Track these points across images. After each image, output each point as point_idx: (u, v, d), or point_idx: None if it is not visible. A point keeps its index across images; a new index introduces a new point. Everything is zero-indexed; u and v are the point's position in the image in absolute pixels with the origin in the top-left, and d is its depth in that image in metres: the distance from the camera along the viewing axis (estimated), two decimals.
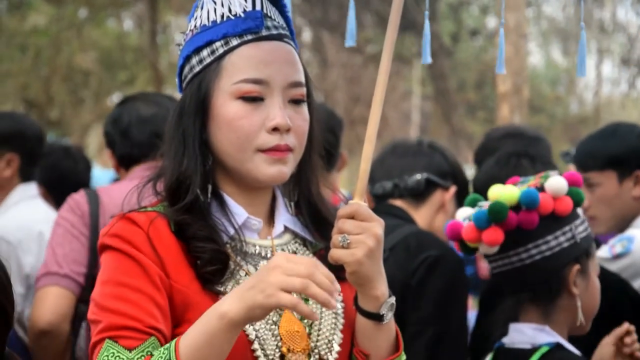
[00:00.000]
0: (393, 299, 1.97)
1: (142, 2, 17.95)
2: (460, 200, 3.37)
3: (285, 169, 1.94)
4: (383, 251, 3.02)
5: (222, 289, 1.89)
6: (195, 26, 1.99)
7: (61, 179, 4.50)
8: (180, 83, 2.03)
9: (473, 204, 2.75)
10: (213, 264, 1.88)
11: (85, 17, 18.47)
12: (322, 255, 2.02)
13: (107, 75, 19.82)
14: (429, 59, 2.09)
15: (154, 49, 17.83)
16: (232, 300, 1.72)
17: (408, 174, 3.32)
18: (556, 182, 2.59)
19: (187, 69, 1.99)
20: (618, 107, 25.25)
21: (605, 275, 3.08)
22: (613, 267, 3.30)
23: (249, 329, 1.86)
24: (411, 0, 16.14)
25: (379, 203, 3.36)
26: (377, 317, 1.95)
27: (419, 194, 3.31)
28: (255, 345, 1.86)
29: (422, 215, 3.32)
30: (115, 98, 22.96)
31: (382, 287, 1.94)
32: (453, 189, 3.34)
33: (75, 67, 19.11)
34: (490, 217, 2.56)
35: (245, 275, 1.91)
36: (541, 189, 2.61)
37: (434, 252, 3.09)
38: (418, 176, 3.31)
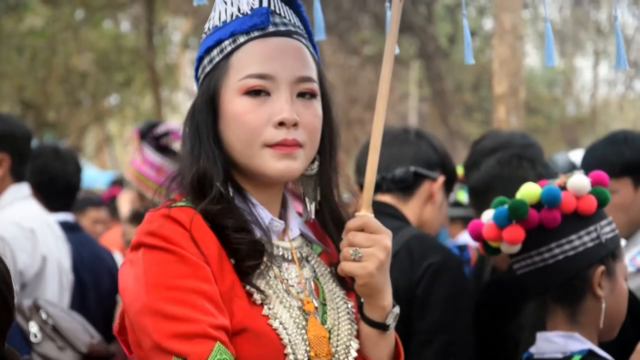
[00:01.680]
0: (398, 309, 1.98)
1: (139, 3, 17.96)
2: (449, 188, 3.36)
3: (294, 165, 1.92)
4: None
5: (258, 285, 1.87)
6: (208, 28, 2.00)
7: (51, 180, 4.49)
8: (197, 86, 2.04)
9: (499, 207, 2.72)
10: (252, 255, 1.86)
11: (81, 19, 18.49)
12: (328, 257, 2.04)
13: (104, 76, 19.82)
14: (471, 60, 2.09)
15: (150, 50, 17.84)
16: None
17: (395, 166, 3.28)
18: (578, 180, 2.54)
19: (200, 69, 2.00)
20: (615, 108, 25.26)
21: None
22: (638, 280, 3.27)
23: (283, 332, 1.86)
24: (408, 3, 16.14)
25: None
26: (382, 327, 1.96)
27: (407, 187, 3.29)
28: (288, 350, 1.86)
29: (411, 209, 3.30)
30: (112, 99, 23.00)
31: (389, 297, 1.96)
32: (441, 179, 3.31)
33: (72, 69, 19.12)
34: (511, 214, 2.52)
35: (274, 277, 1.91)
36: (564, 187, 2.56)
37: (436, 258, 3.06)
38: (405, 169, 3.27)
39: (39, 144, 5.26)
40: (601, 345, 2.60)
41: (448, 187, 3.35)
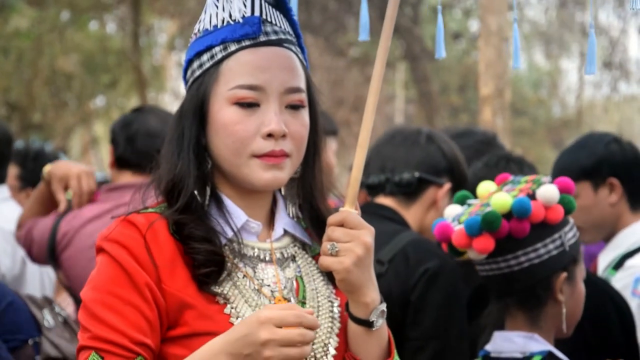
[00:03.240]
0: (384, 306, 1.98)
1: (125, 4, 17.91)
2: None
3: (281, 175, 1.95)
4: (382, 263, 3.03)
5: (219, 290, 1.90)
6: (199, 30, 2.01)
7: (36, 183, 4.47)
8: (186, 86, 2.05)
9: (462, 202, 2.75)
10: (207, 265, 1.89)
11: (67, 20, 18.42)
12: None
13: (90, 78, 19.75)
14: (443, 53, 2.11)
15: (136, 52, 17.78)
16: None
17: (401, 170, 3.26)
18: (548, 191, 2.58)
19: (189, 72, 2.01)
20: (600, 110, 25.36)
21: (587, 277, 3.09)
22: None
23: None
24: None
25: (371, 195, 3.33)
26: (367, 324, 1.97)
27: (411, 192, 3.27)
28: None
29: (413, 214, 3.27)
30: (98, 101, 22.92)
31: (372, 294, 1.96)
32: (447, 186, 3.28)
33: (57, 70, 19.04)
34: (483, 226, 2.55)
35: (244, 277, 1.93)
36: (532, 196, 2.59)
37: (432, 264, 3.04)
38: (410, 174, 3.25)
39: (24, 145, 5.23)
40: (558, 343, 2.67)
41: (456, 193, 3.34)
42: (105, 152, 28.43)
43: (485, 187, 2.72)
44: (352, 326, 1.98)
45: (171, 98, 23.09)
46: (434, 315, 3.00)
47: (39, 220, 3.76)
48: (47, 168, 3.71)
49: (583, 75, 24.30)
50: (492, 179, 2.87)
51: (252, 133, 1.92)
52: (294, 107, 1.96)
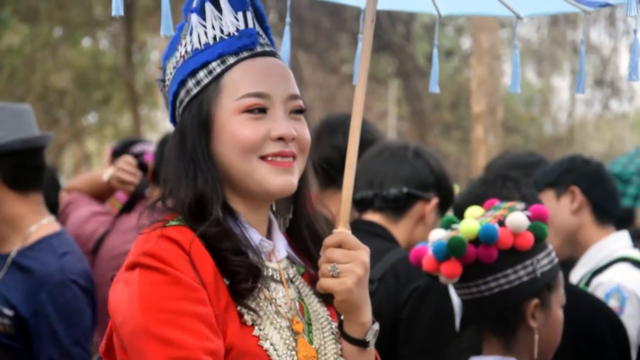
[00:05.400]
0: (377, 325, 1.99)
1: (118, 21, 17.93)
2: (444, 209, 3.36)
3: (292, 179, 1.95)
4: (372, 282, 3.03)
5: (252, 305, 1.88)
6: (186, 52, 1.99)
7: None
8: (173, 111, 2.02)
9: (447, 226, 2.76)
10: (249, 278, 1.87)
11: (60, 37, 18.44)
12: (309, 276, 2.04)
13: (82, 94, 19.76)
14: (436, 89, 2.14)
15: (129, 69, 17.81)
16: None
17: (389, 185, 3.27)
18: (516, 219, 2.59)
19: (182, 93, 1.98)
20: (592, 127, 25.45)
21: (581, 296, 3.09)
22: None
23: (274, 354, 1.86)
24: (386, 21, 16.22)
25: (359, 211, 3.33)
26: (362, 344, 1.97)
27: (399, 207, 3.27)
28: None
29: (402, 230, 3.28)
30: (90, 118, 22.92)
31: (368, 314, 1.97)
32: (434, 201, 3.29)
33: (50, 87, 19.05)
34: (449, 250, 2.57)
35: (264, 299, 1.92)
36: (502, 223, 2.61)
37: (422, 281, 3.05)
38: (398, 189, 3.25)
39: None
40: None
41: (443, 208, 3.35)
42: (97, 169, 28.37)
43: (471, 212, 2.73)
44: (346, 346, 1.98)
45: (164, 115, 23.08)
46: (425, 332, 3.00)
47: (92, 213, 4.17)
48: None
49: (574, 93, 24.41)
50: (490, 197, 2.88)
51: (262, 137, 1.91)
52: (297, 112, 1.98)
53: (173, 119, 2.03)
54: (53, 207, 4.71)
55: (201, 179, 1.91)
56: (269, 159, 1.92)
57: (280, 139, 1.92)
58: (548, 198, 3.61)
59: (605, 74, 19.28)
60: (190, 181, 1.91)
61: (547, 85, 27.51)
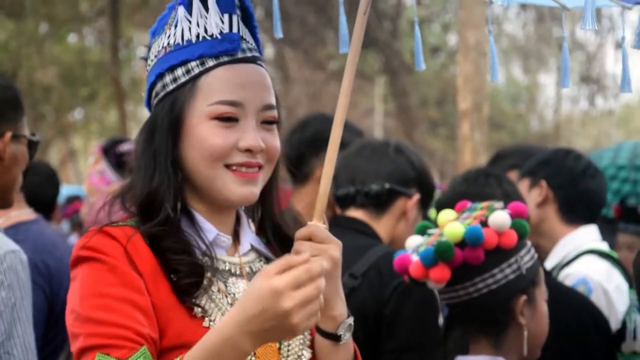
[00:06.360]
0: (351, 320, 1.99)
1: (104, 17, 17.91)
2: (425, 205, 3.37)
3: (255, 190, 1.96)
4: (355, 277, 3.04)
5: (197, 301, 1.89)
6: (168, 44, 1.99)
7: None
8: (148, 98, 2.03)
9: (422, 232, 2.77)
10: (190, 276, 1.88)
11: (45, 33, 18.39)
12: None
13: (68, 90, 19.72)
14: (422, 65, 2.13)
15: (115, 65, 17.77)
16: (252, 342, 1.70)
17: (371, 181, 3.28)
18: (499, 218, 2.60)
19: (159, 86, 1.99)
20: (578, 124, 25.55)
21: (563, 292, 3.11)
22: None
23: None
24: (373, 18, 16.23)
25: (341, 208, 3.35)
26: (334, 337, 1.97)
27: (381, 203, 3.29)
28: None
29: (384, 226, 3.29)
30: (76, 114, 22.86)
31: (339, 308, 1.96)
32: (416, 197, 3.30)
33: (35, 83, 19.00)
34: (437, 256, 2.57)
35: (218, 291, 1.93)
36: (485, 223, 2.62)
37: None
38: (380, 185, 3.27)
39: None
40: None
41: (424, 204, 3.36)
42: (83, 165, 28.35)
43: (444, 216, 2.74)
44: (320, 340, 1.98)
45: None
46: (408, 327, 3.01)
47: None
48: None
49: (561, 89, 24.48)
50: (472, 194, 2.88)
51: (230, 146, 1.92)
52: (269, 123, 1.98)
53: (149, 105, 2.03)
54: (49, 202, 4.72)
55: (157, 180, 1.93)
56: (234, 168, 1.93)
57: (248, 150, 1.93)
58: (523, 187, 3.64)
59: (591, 70, 19.37)
60: (147, 180, 1.94)
61: (534, 82, 27.61)
